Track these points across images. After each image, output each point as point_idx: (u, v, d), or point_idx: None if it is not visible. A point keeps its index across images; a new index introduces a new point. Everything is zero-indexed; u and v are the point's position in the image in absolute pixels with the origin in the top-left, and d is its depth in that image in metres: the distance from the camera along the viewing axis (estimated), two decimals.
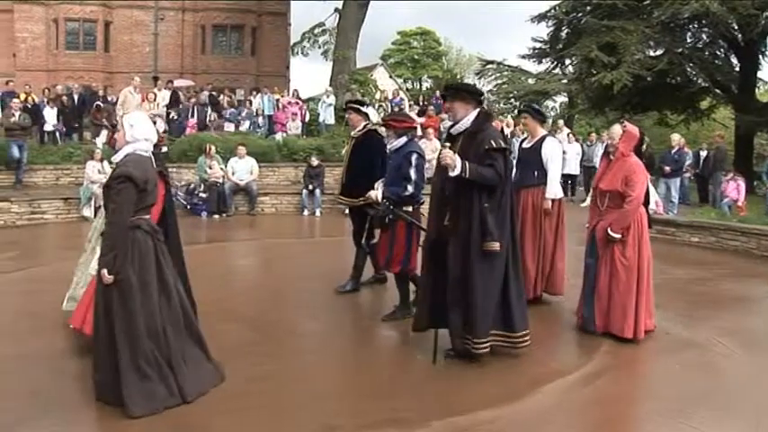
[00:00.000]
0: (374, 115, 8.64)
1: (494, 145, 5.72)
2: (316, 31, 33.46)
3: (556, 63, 32.09)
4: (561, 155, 8.51)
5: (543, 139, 8.18)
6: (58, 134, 20.35)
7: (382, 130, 8.12)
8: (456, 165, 5.61)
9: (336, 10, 30.24)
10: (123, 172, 4.92)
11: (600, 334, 6.80)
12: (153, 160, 5.35)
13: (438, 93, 30.45)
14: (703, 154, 20.34)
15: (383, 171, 7.68)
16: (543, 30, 31.45)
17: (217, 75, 32.49)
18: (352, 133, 8.61)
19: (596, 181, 7.13)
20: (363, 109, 8.68)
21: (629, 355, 6.51)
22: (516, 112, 34.46)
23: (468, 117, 5.94)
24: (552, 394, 5.56)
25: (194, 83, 28.72)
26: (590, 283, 6.91)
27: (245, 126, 22.35)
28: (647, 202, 6.91)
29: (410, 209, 7.14)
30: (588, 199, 18.46)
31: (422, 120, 21.24)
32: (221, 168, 17.28)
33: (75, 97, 21.75)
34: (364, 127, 8.42)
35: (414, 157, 7.11)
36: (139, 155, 5.14)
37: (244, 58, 36.11)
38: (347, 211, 9.85)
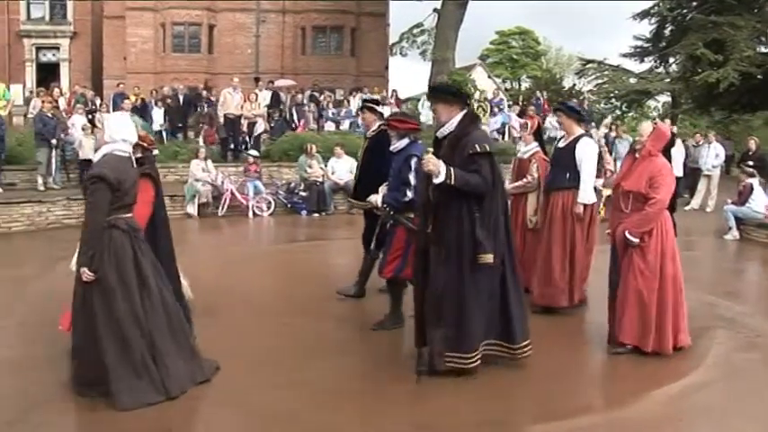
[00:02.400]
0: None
1: (478, 149, 5.37)
2: (414, 31, 33.61)
3: (659, 61, 31.25)
4: (596, 156, 7.93)
5: (578, 138, 7.72)
6: (164, 133, 21.01)
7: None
8: (440, 171, 5.27)
9: (435, 10, 30.27)
10: (96, 173, 5.04)
11: (617, 345, 6.34)
12: (133, 161, 5.42)
13: (537, 93, 30.11)
14: None
15: None
16: (646, 27, 30.76)
17: (316, 75, 32.83)
18: (367, 133, 8.35)
19: (619, 179, 6.59)
20: (379, 108, 8.34)
21: (737, 367, 6.20)
22: (618, 112, 33.77)
23: (453, 120, 5.60)
24: (654, 403, 5.39)
25: (296, 83, 29.16)
26: (612, 296, 6.46)
27: (344, 125, 22.59)
28: (673, 208, 6.40)
29: (411, 215, 6.69)
30: (693, 202, 18.01)
31: (522, 120, 21.00)
32: (321, 168, 17.51)
33: (181, 98, 22.41)
34: (379, 127, 8.01)
35: (414, 161, 6.67)
36: (117, 155, 5.22)
37: (343, 58, 36.44)
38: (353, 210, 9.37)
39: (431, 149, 5.46)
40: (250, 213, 16.39)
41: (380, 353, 6.43)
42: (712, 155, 18.12)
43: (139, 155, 5.83)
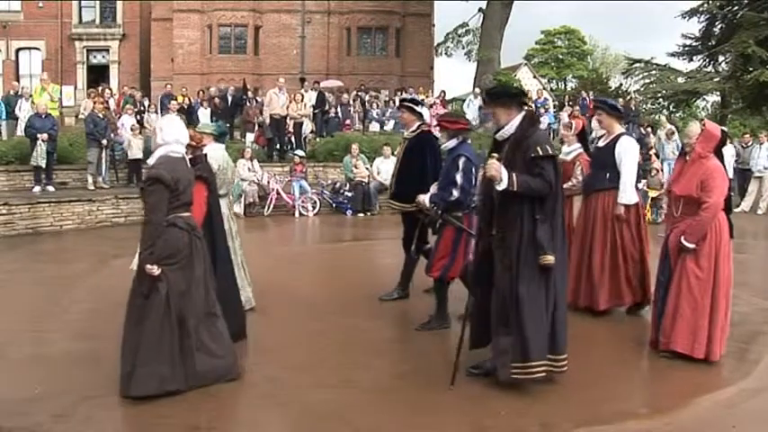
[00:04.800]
0: (427, 115, 8.19)
1: (540, 152, 5.29)
2: (459, 31, 33.58)
3: (708, 60, 30.75)
4: (637, 155, 7.69)
5: (618, 137, 7.52)
6: None
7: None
8: (502, 178, 5.22)
9: (480, 10, 30.20)
10: (153, 174, 5.19)
11: (666, 353, 6.17)
12: (187, 161, 5.58)
13: (583, 93, 29.80)
14: None
15: (436, 174, 7.27)
16: (694, 26, 30.33)
17: (362, 76, 32.92)
18: (405, 134, 8.23)
19: (670, 184, 6.45)
20: (418, 108, 8.15)
21: None
22: (666, 113, 33.24)
23: (512, 122, 5.49)
24: (707, 408, 5.29)
25: (342, 83, 29.26)
26: (660, 301, 6.28)
27: (389, 126, 22.62)
28: (728, 210, 6.18)
29: (460, 214, 6.77)
30: (743, 204, 17.64)
31: (566, 121, 20.82)
32: (366, 168, 17.55)
33: (229, 98, 22.61)
34: (418, 127, 7.94)
35: (462, 161, 6.74)
36: (171, 156, 5.36)
37: (388, 59, 36.50)
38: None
39: (495, 155, 5.38)
40: (296, 213, 16.50)
41: (426, 353, 6.42)
42: (764, 156, 17.75)
43: (190, 155, 5.95)
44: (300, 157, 17.88)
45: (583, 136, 8.37)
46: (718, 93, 33.41)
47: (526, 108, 5.68)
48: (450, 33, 34.52)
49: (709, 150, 6.05)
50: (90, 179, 15.92)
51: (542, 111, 23.08)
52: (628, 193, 7.38)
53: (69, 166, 16.76)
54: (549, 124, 22.30)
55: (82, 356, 6.15)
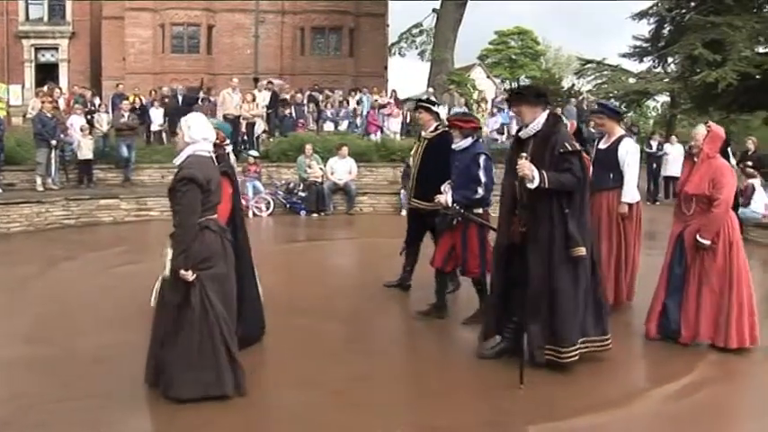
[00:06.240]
0: (443, 115, 8.43)
1: (568, 148, 5.61)
2: (413, 31, 33.70)
3: (658, 61, 31.21)
4: (639, 156, 8.11)
5: (620, 139, 7.88)
6: (164, 134, 20.98)
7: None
8: (534, 176, 5.49)
9: (434, 10, 30.30)
10: (186, 174, 4.99)
11: (686, 344, 6.49)
12: (215, 159, 5.43)
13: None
14: None
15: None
16: (645, 27, 30.76)
17: (316, 76, 32.80)
18: (424, 134, 8.40)
19: (681, 185, 6.77)
20: (435, 108, 8.50)
21: (732, 368, 6.21)
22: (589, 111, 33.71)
23: (538, 120, 5.78)
24: (655, 403, 5.41)
25: (287, 83, 29.04)
26: (675, 293, 6.60)
27: (343, 126, 22.62)
28: (736, 206, 6.60)
29: (480, 211, 7.08)
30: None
31: None
32: (320, 168, 17.52)
33: (180, 98, 22.37)
34: (436, 128, 8.21)
35: (482, 159, 7.04)
36: (200, 155, 5.19)
37: (342, 58, 36.43)
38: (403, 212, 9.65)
39: (524, 154, 5.60)
40: (250, 214, 16.38)
41: (385, 352, 6.47)
42: None
43: (214, 153, 5.89)
44: (255, 157, 17.76)
45: (579, 136, 8.59)
46: (668, 93, 33.99)
47: (549, 107, 6.00)
48: (404, 33, 34.68)
49: (715, 150, 6.47)
50: (39, 180, 15.60)
51: (496, 110, 23.22)
52: (631, 193, 7.76)
53: (17, 167, 16.35)
54: (503, 124, 22.42)
55: (30, 361, 6.04)
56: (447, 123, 7.88)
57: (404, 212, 16.86)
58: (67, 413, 5.02)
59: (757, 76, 24.45)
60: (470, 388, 5.64)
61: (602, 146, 8.05)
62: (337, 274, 10.51)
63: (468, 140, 7.24)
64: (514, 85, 59.57)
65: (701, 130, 6.60)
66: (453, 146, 7.36)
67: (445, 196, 7.19)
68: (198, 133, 5.23)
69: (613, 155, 7.79)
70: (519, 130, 6.03)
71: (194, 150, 5.19)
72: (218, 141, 6.02)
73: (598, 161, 7.96)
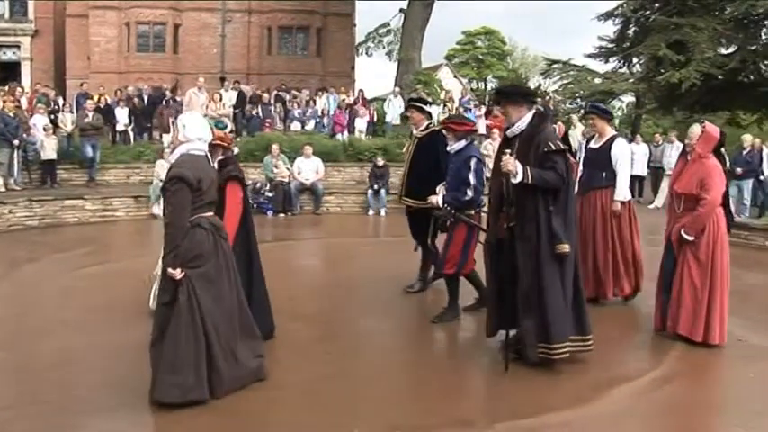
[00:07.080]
0: (436, 114, 8.48)
1: (552, 147, 5.69)
2: (380, 31, 33.56)
3: (623, 62, 31.40)
4: (630, 156, 8.34)
5: (612, 139, 8.06)
6: (131, 134, 20.79)
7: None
8: (518, 172, 5.60)
9: (401, 10, 30.28)
10: (176, 173, 5.00)
11: (670, 335, 6.69)
12: (209, 158, 5.44)
13: None
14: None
15: (444, 174, 7.57)
16: (610, 28, 30.95)
17: (282, 75, 32.63)
18: (415, 132, 8.48)
19: (672, 182, 6.97)
20: (426, 108, 8.58)
21: (699, 361, 6.34)
22: (582, 112, 34.00)
23: (524, 119, 5.88)
24: (621, 399, 5.48)
25: (255, 84, 28.92)
26: (666, 287, 6.78)
27: (310, 126, 22.58)
28: (726, 205, 6.72)
29: (472, 212, 7.14)
30: (656, 201, 18.21)
31: (487, 121, 21.06)
32: (287, 168, 17.46)
33: (146, 98, 22.20)
34: (427, 127, 8.30)
35: (473, 162, 7.09)
36: (193, 154, 5.19)
37: (309, 58, 36.24)
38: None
39: (507, 151, 5.72)
40: None
41: (353, 351, 6.50)
42: (675, 154, 18.25)
43: (221, 156, 5.95)
44: None
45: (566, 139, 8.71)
46: (633, 93, 34.31)
47: (536, 106, 6.09)
48: (371, 33, 34.52)
49: (708, 151, 6.57)
50: (1, 181, 15.38)
51: (463, 110, 23.28)
52: (623, 191, 7.95)
53: None
54: None
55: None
56: (442, 126, 7.91)
57: (371, 213, 16.98)
58: (27, 419, 4.95)
59: (719, 77, 24.75)
60: (439, 387, 5.66)
61: (594, 145, 8.22)
62: (304, 274, 10.50)
63: (462, 143, 7.29)
64: (481, 85, 59.99)
65: (696, 129, 6.71)
66: (448, 148, 7.43)
67: (436, 197, 7.28)
68: (193, 133, 5.24)
69: (606, 154, 7.95)
70: (506, 129, 6.13)
71: (188, 149, 5.20)
72: (225, 144, 6.04)
73: (590, 161, 8.18)
